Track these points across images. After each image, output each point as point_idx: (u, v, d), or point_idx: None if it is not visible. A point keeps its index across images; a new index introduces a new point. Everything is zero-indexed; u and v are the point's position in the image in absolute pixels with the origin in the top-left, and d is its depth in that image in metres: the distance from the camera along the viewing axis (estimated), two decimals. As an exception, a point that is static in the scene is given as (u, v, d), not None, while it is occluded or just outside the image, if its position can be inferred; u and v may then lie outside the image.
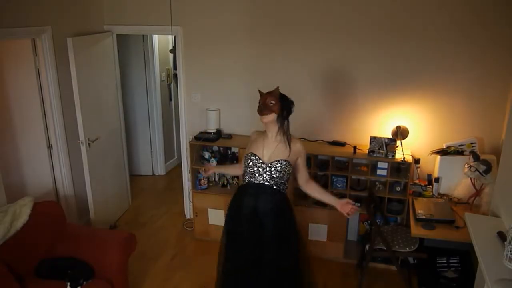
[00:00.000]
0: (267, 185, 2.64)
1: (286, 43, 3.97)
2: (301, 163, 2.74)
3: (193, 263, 3.95)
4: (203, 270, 3.82)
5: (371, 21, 3.70)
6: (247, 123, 4.26)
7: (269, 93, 2.65)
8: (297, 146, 2.68)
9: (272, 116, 2.60)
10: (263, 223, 2.63)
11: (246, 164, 2.69)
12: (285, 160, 2.63)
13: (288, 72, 4.03)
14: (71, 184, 4.13)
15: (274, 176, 2.63)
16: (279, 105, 2.60)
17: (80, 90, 3.83)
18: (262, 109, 2.60)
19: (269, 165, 2.63)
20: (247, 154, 2.70)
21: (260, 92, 2.72)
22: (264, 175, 2.64)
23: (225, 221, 2.86)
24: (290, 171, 2.68)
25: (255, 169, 2.65)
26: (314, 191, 2.80)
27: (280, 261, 2.64)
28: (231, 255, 2.77)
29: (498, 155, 3.13)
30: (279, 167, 2.62)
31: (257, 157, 2.65)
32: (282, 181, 2.67)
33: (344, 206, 2.64)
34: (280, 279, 2.65)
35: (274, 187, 2.64)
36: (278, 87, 2.67)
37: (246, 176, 2.72)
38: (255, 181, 2.66)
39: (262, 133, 2.75)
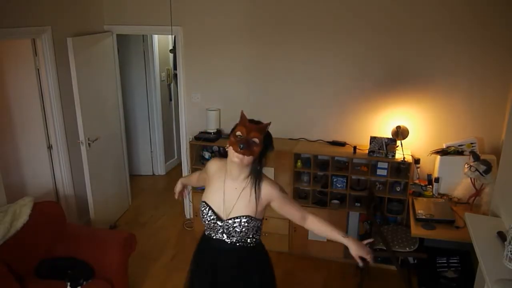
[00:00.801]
0: (227, 242, 2.09)
1: (286, 43, 3.97)
2: (283, 206, 2.11)
3: (193, 263, 3.95)
4: (203, 270, 3.82)
5: (371, 21, 3.70)
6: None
7: (255, 125, 2.03)
8: (266, 191, 2.06)
9: (250, 159, 1.99)
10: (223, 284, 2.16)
11: (201, 216, 2.13)
12: (246, 217, 2.03)
13: (288, 72, 4.03)
14: (71, 184, 4.13)
15: (234, 235, 2.06)
16: (261, 146, 2.00)
17: (80, 90, 3.83)
18: (242, 147, 1.94)
19: (226, 222, 2.06)
20: (201, 203, 2.14)
21: (242, 115, 2.10)
22: (222, 232, 2.09)
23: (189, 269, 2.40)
24: (258, 224, 2.10)
25: (211, 224, 2.10)
26: (317, 229, 2.15)
27: None
28: None
29: (498, 155, 3.13)
30: (238, 227, 2.04)
31: (210, 210, 2.08)
32: (248, 237, 2.09)
33: (361, 249, 2.06)
34: None
35: (238, 244, 2.09)
36: (269, 123, 2.09)
37: (205, 226, 2.18)
38: (213, 236, 2.13)
39: (222, 166, 2.15)
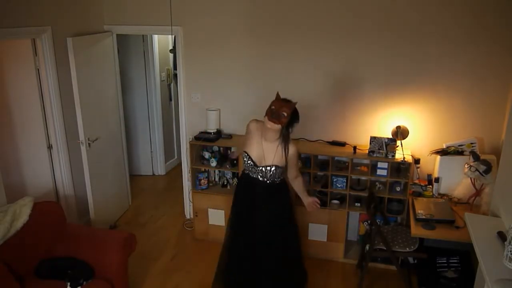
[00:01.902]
0: (260, 180, 2.91)
1: (286, 43, 3.97)
2: (291, 163, 2.92)
3: (193, 263, 3.95)
4: (203, 270, 3.82)
5: (371, 21, 3.70)
6: (247, 123, 4.25)
7: (286, 102, 2.77)
8: (291, 152, 2.86)
9: (278, 127, 2.75)
10: (260, 208, 2.95)
11: (244, 161, 2.95)
12: (275, 166, 2.86)
13: (288, 72, 4.03)
14: (71, 184, 4.13)
15: (266, 176, 2.89)
16: (288, 119, 2.75)
17: (80, 90, 3.83)
18: (273, 116, 2.73)
19: (261, 168, 2.87)
20: (244, 152, 2.92)
21: (278, 95, 2.83)
22: (256, 174, 2.91)
23: (232, 204, 3.16)
24: (283, 170, 2.91)
25: (250, 168, 2.91)
26: (296, 186, 3.08)
27: (276, 244, 3.00)
28: (233, 237, 3.11)
29: (498, 155, 3.13)
30: (270, 172, 2.87)
31: (249, 157, 2.88)
32: (275, 177, 2.91)
33: (310, 205, 3.07)
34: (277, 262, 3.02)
35: (268, 181, 2.91)
36: (296, 102, 2.79)
37: (245, 167, 2.96)
38: (251, 175, 2.94)
39: (261, 126, 2.88)
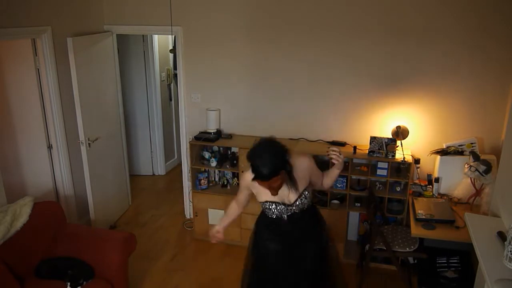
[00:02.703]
0: (297, 212, 2.45)
1: (286, 43, 3.97)
2: (314, 174, 2.52)
3: (193, 263, 3.95)
4: (203, 270, 3.82)
5: (371, 21, 3.70)
6: (247, 123, 4.26)
7: (267, 178, 2.20)
8: (306, 165, 2.44)
9: (283, 184, 2.32)
10: (300, 248, 2.51)
11: (269, 211, 2.46)
12: (305, 190, 2.43)
13: (288, 72, 4.03)
14: (71, 184, 4.13)
15: (301, 207, 2.44)
16: (282, 179, 2.26)
17: (80, 90, 3.83)
18: (274, 191, 2.31)
19: (294, 204, 2.41)
20: (265, 204, 2.44)
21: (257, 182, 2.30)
22: (293, 210, 2.44)
23: (252, 253, 2.66)
24: (310, 189, 2.51)
25: (280, 212, 2.44)
26: (328, 180, 2.62)
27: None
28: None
29: (498, 155, 3.13)
30: (305, 200, 2.44)
31: (276, 204, 2.41)
32: (310, 201, 2.52)
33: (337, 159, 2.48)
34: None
35: (304, 208, 2.48)
36: (277, 152, 2.25)
37: (271, 214, 2.47)
38: (283, 216, 2.45)
39: None
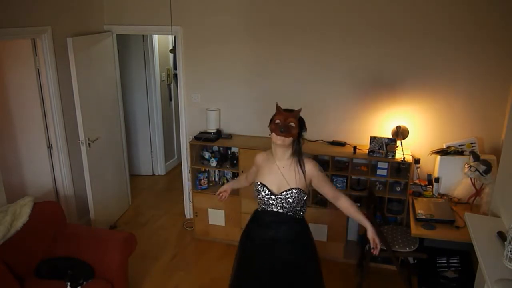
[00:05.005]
0: (281, 212, 2.47)
1: (287, 43, 3.97)
2: (319, 183, 2.50)
3: (193, 263, 3.95)
4: (203, 270, 3.82)
5: (371, 21, 3.70)
6: (247, 123, 4.27)
7: (289, 112, 2.42)
8: (309, 168, 2.45)
9: (290, 140, 2.39)
10: (280, 251, 2.51)
11: (257, 194, 2.53)
12: (295, 189, 2.43)
13: (288, 72, 4.03)
14: (71, 184, 4.13)
15: (286, 206, 2.45)
16: (297, 129, 2.40)
17: (80, 90, 3.83)
18: (281, 130, 2.36)
19: (279, 196, 2.44)
20: (257, 183, 2.52)
21: (278, 107, 2.46)
22: (276, 204, 2.47)
23: (238, 247, 2.71)
24: (304, 197, 2.48)
25: (265, 200, 2.49)
26: (346, 210, 2.57)
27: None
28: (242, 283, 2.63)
29: (498, 155, 3.13)
30: (290, 198, 2.43)
31: (265, 188, 2.47)
32: (297, 208, 2.49)
33: (376, 234, 2.54)
34: None
35: (289, 213, 2.48)
36: (300, 109, 2.46)
37: (259, 203, 2.55)
38: (268, 209, 2.50)
39: (268, 156, 2.55)
